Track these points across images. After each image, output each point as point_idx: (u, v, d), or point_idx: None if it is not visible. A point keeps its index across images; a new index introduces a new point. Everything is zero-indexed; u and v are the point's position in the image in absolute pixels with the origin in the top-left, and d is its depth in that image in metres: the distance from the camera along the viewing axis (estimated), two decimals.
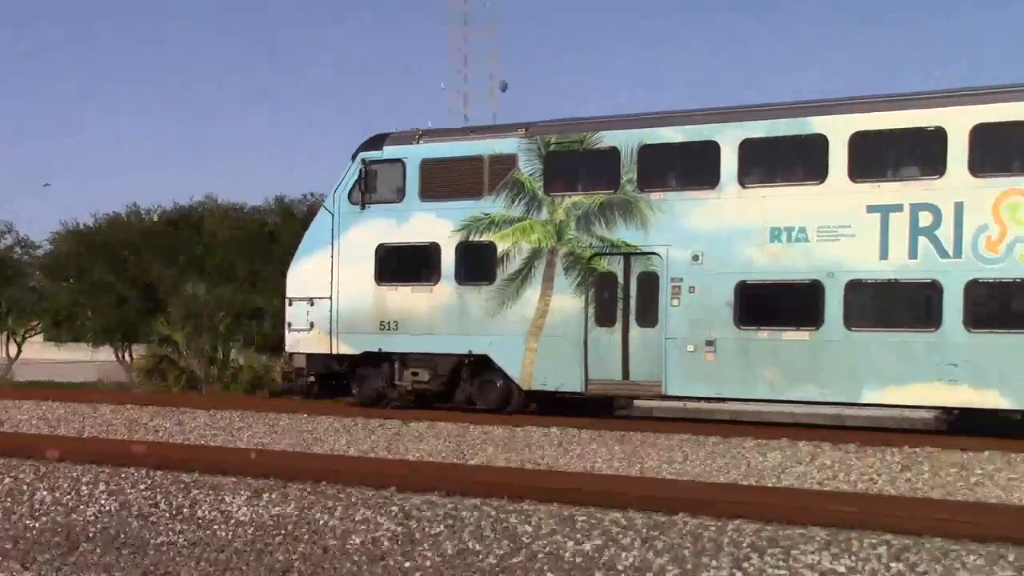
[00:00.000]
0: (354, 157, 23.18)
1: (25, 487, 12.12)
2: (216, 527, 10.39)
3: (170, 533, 10.26)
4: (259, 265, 31.85)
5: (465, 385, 22.22)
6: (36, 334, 45.35)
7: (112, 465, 13.17)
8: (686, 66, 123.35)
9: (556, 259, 21.00)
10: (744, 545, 9.08)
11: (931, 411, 18.04)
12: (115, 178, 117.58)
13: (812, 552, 8.83)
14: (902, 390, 18.19)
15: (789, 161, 19.82)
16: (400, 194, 22.55)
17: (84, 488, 11.92)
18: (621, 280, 20.57)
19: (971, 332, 17.73)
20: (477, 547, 9.38)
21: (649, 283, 20.27)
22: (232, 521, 10.50)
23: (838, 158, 18.82)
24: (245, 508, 10.83)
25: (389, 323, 22.42)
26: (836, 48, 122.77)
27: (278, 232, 32.91)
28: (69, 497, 11.63)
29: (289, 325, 23.66)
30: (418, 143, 22.61)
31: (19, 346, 44.27)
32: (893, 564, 8.48)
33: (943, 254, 17.99)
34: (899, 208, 18.34)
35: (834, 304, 18.66)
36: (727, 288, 19.44)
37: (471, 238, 21.85)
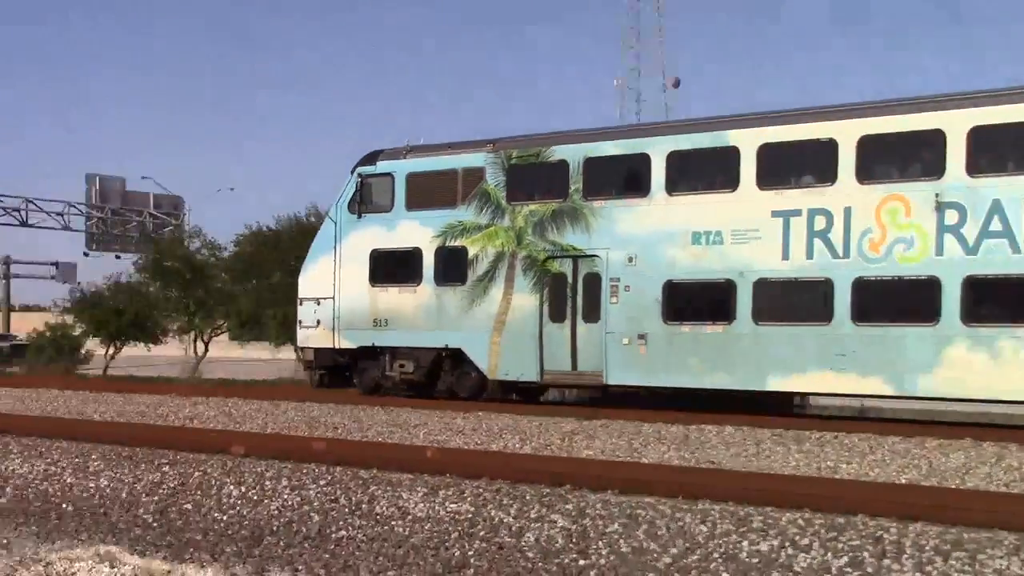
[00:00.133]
0: (353, 171, 25.91)
1: (213, 481, 12.50)
2: (394, 523, 10.55)
3: (350, 528, 10.45)
4: None
5: (446, 376, 24.76)
6: (222, 333, 47.02)
7: (294, 461, 13.50)
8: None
9: (516, 262, 23.39)
10: (927, 548, 8.79)
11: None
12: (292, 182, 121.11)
13: (1000, 557, 8.50)
14: (800, 378, 20.38)
15: (708, 171, 21.79)
16: (390, 204, 25.22)
17: (268, 483, 12.24)
18: (570, 280, 22.87)
19: (857, 325, 19.72)
20: (652, 546, 9.31)
21: (593, 283, 22.51)
22: (409, 517, 10.65)
23: (748, 168, 20.80)
24: (422, 504, 10.97)
25: (381, 320, 25.14)
26: None
27: None
28: (254, 491, 11.96)
29: (300, 322, 26.69)
30: (405, 158, 25.32)
31: (206, 345, 45.94)
32: None
33: (834, 254, 19.98)
34: (798, 213, 20.32)
35: (744, 301, 20.73)
36: (656, 287, 21.65)
37: (447, 243, 24.39)
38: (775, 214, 20.54)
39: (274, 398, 24.73)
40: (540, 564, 9.10)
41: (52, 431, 16.69)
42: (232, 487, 12.18)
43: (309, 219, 38.69)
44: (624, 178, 22.72)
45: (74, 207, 52.13)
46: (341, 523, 10.64)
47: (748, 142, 20.92)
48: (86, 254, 55.97)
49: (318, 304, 26.10)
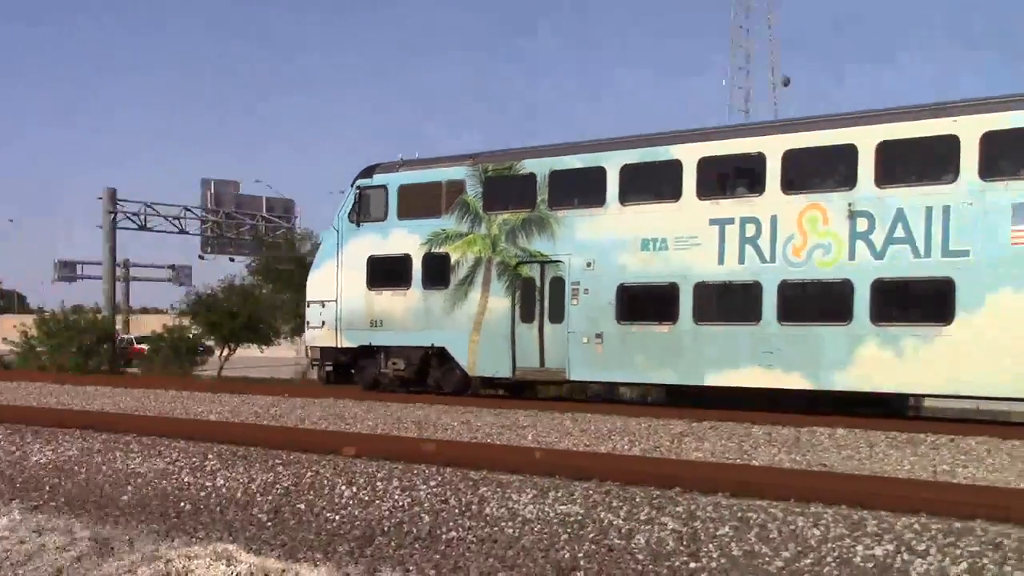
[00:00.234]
0: (353, 184, 28.08)
1: (325, 482, 12.68)
2: (504, 524, 10.59)
3: (460, 529, 10.52)
4: None
5: (433, 372, 26.78)
6: None
7: (404, 462, 13.62)
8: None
9: (492, 267, 25.36)
10: None
11: None
12: None
13: None
14: (734, 374, 21.94)
15: (655, 183, 23.47)
16: (384, 214, 27.32)
17: (379, 484, 12.37)
18: (538, 284, 24.79)
19: (782, 324, 21.39)
20: (764, 549, 9.22)
21: (557, 286, 24.44)
22: (519, 518, 10.68)
23: (689, 180, 22.53)
24: (531, 506, 10.99)
25: (376, 321, 27.27)
26: None
27: None
28: (365, 492, 12.10)
29: (308, 323, 29.08)
30: (398, 171, 27.41)
31: None
32: None
33: (762, 259, 21.63)
34: (732, 221, 21.99)
35: (686, 303, 22.47)
36: (611, 290, 23.49)
37: (432, 250, 26.43)
38: (712, 222, 22.25)
39: (384, 400, 25.01)
40: (650, 566, 9.07)
41: (170, 431, 17.08)
42: (344, 487, 12.33)
43: None
44: (584, 189, 24.40)
45: (190, 211, 53.20)
46: (451, 524, 10.71)
47: (689, 156, 22.69)
48: (201, 257, 57.14)
49: (323, 306, 28.32)
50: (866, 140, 20.67)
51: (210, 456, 14.50)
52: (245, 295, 46.68)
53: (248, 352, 49.24)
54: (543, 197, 24.69)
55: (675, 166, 22.82)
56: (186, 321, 48.33)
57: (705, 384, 22.49)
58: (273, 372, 43.55)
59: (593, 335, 23.64)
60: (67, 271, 73.45)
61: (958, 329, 19.59)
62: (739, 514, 10.23)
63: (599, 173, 23.85)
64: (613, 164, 23.67)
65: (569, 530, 10.20)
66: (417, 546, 10.10)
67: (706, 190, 22.45)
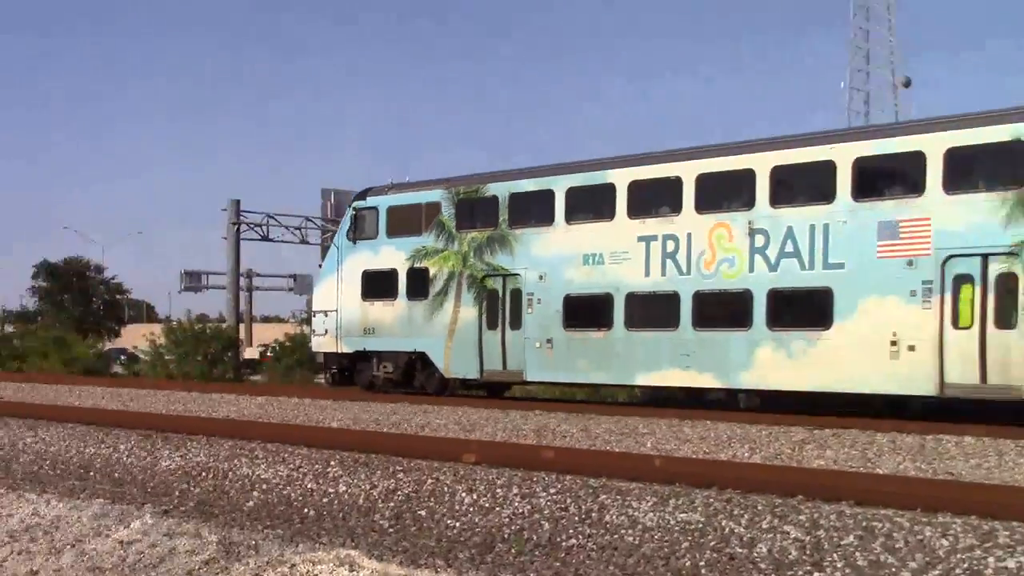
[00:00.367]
0: (350, 205, 31.45)
1: (446, 488, 12.78)
2: (624, 531, 10.56)
3: (579, 536, 10.52)
4: None
5: (418, 375, 29.47)
6: None
7: (524, 469, 13.64)
8: None
9: (463, 280, 28.00)
10: None
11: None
12: None
13: None
14: (658, 374, 24.53)
15: (594, 203, 25.71)
16: (376, 232, 30.12)
17: (499, 491, 12.42)
18: (500, 295, 27.36)
19: (696, 330, 23.82)
20: (890, 560, 9.04)
21: (516, 297, 27.06)
22: (639, 526, 10.64)
23: (621, 201, 25.05)
24: (652, 514, 10.94)
25: (369, 329, 30.12)
26: None
27: None
28: (485, 499, 12.16)
29: (313, 331, 32.35)
30: (387, 194, 30.46)
31: None
32: None
33: (680, 272, 24.08)
34: (656, 238, 24.47)
35: (619, 311, 24.93)
36: (558, 300, 26.10)
37: (414, 265, 29.14)
38: (640, 239, 24.74)
39: (504, 407, 25.15)
40: (773, 575, 8.98)
41: (293, 438, 17.38)
42: (464, 494, 12.42)
43: None
44: (537, 210, 26.94)
45: (311, 221, 53.98)
46: (571, 531, 10.72)
47: (621, 180, 25.24)
48: (320, 266, 58.08)
49: (326, 316, 31.42)
50: (762, 165, 23.06)
51: (332, 463, 14.71)
52: None
53: None
54: (504, 217, 27.42)
55: (610, 189, 25.37)
56: (306, 330, 49.10)
57: (635, 384, 25.97)
58: None
59: (545, 340, 26.32)
60: (193, 281, 74.99)
61: (836, 333, 21.96)
62: (864, 523, 10.04)
63: (549, 195, 26.58)
64: (560, 187, 26.45)
65: (690, 538, 10.13)
66: (537, 553, 10.13)
67: (635, 210, 25.01)
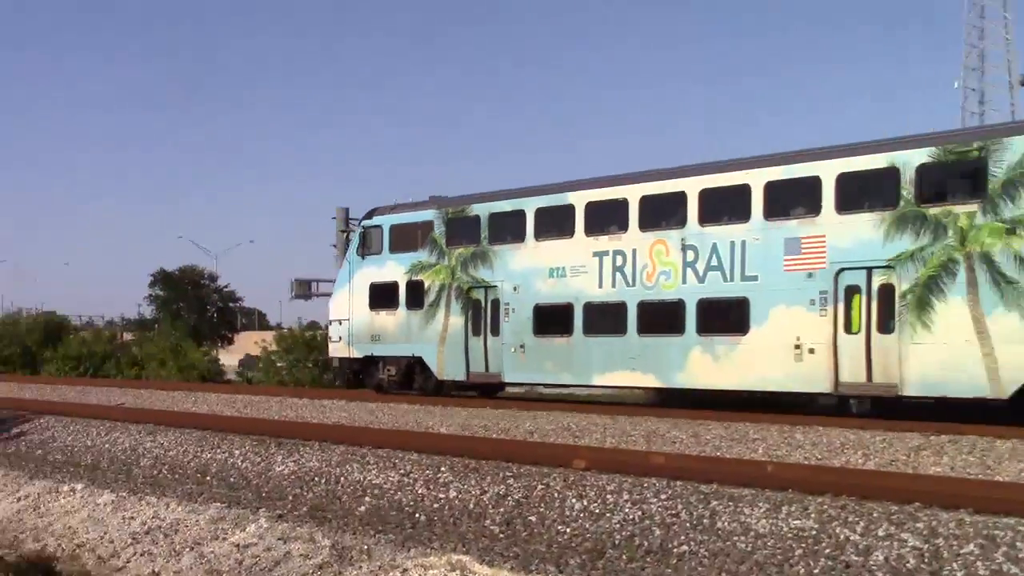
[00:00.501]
0: (359, 224, 34.41)
1: (556, 494, 12.79)
2: (736, 538, 10.47)
3: (691, 543, 10.46)
4: None
5: (417, 377, 31.97)
6: None
7: (634, 475, 13.58)
8: None
9: (452, 291, 30.61)
10: None
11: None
12: None
13: None
14: (610, 375, 26.88)
15: (558, 223, 28.20)
16: (381, 248, 32.87)
17: (609, 497, 12.39)
18: (483, 305, 29.88)
19: (640, 336, 26.14)
20: (1013, 570, 8.82)
21: (495, 307, 29.58)
22: (752, 533, 10.53)
23: (580, 220, 27.61)
24: (764, 520, 10.82)
25: (376, 336, 32.82)
26: None
27: None
28: (596, 505, 12.14)
29: (329, 338, 35.01)
30: (391, 213, 33.08)
31: None
32: None
33: (627, 284, 26.50)
34: (607, 253, 27.00)
35: (578, 319, 27.39)
36: (529, 309, 28.60)
37: (412, 278, 31.77)
38: (595, 254, 27.26)
39: (612, 413, 25.11)
40: None
41: (404, 444, 17.51)
42: (574, 500, 12.42)
43: None
44: (512, 228, 29.40)
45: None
46: (683, 537, 10.65)
47: (579, 201, 27.77)
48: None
49: (340, 324, 34.13)
50: (693, 188, 25.53)
51: (443, 468, 14.81)
52: None
53: None
54: (485, 234, 30.01)
55: (571, 209, 27.92)
56: None
57: (592, 384, 28.14)
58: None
59: (519, 345, 28.89)
60: (303, 289, 75.97)
61: (752, 338, 24.21)
62: (984, 532, 9.81)
63: (521, 215, 29.16)
64: (530, 207, 28.99)
65: (804, 545, 10.00)
66: (648, 560, 10.09)
67: (591, 228, 27.49)
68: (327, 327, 36.16)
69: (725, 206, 25.24)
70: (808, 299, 23.42)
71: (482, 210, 30.25)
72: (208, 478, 16.77)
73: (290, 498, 14.45)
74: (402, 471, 14.94)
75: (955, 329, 21.48)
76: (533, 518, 12.06)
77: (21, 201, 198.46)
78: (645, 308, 26.20)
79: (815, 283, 23.34)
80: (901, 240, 22.28)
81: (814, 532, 10.32)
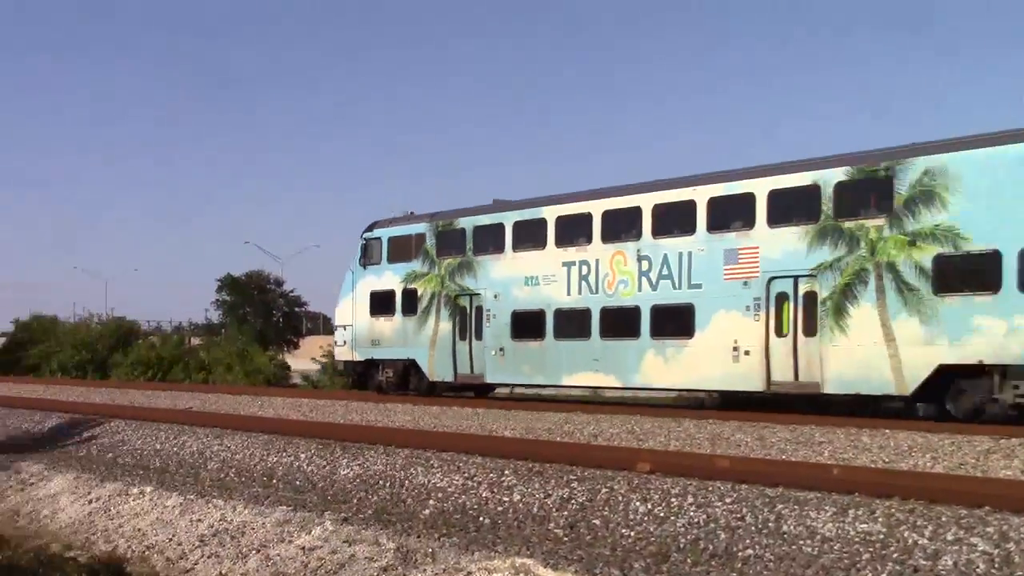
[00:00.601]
0: (361, 236, 36.36)
1: (620, 497, 12.76)
2: (802, 542, 10.38)
3: (756, 547, 10.39)
4: None
5: (412, 379, 34.36)
6: None
7: (698, 478, 13.51)
8: None
9: (441, 299, 33.06)
10: None
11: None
12: None
13: None
14: (577, 376, 29.00)
15: (532, 235, 30.52)
16: (380, 259, 35.41)
17: (673, 500, 12.34)
18: (468, 311, 32.32)
19: (603, 339, 28.31)
20: None
21: (479, 313, 31.93)
22: (818, 537, 10.44)
23: (551, 233, 29.93)
24: (830, 524, 10.72)
25: (375, 340, 35.36)
26: None
27: None
28: (660, 508, 12.10)
29: (335, 343, 37.93)
30: (389, 226, 35.59)
31: None
32: None
33: (591, 291, 28.73)
34: (574, 263, 29.24)
35: (550, 324, 29.66)
36: (508, 315, 30.86)
37: (407, 286, 34.27)
38: (564, 264, 29.56)
39: (675, 416, 25.04)
40: None
41: (468, 447, 17.56)
42: (639, 503, 12.38)
43: None
44: (493, 240, 31.76)
45: None
46: (748, 541, 10.59)
47: (551, 215, 30.01)
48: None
49: (344, 329, 36.74)
50: (647, 203, 27.73)
51: (506, 472, 14.83)
52: None
53: None
54: (470, 246, 32.36)
55: (543, 223, 30.19)
56: None
57: (561, 384, 30.08)
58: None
59: (499, 349, 31.15)
60: None
61: (697, 341, 26.26)
62: None
63: (501, 228, 31.53)
64: (509, 220, 31.36)
65: (871, 549, 9.90)
66: (713, 563, 10.04)
67: (560, 240, 29.79)
68: (334, 332, 38.80)
69: (674, 220, 27.33)
70: (744, 305, 25.51)
71: (467, 223, 32.73)
72: (274, 481, 16.93)
73: (355, 501, 14.55)
74: (466, 474, 14.98)
75: (867, 332, 23.48)
76: (597, 521, 12.05)
77: (92, 207, 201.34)
78: (607, 314, 28.32)
79: (750, 290, 25.44)
80: (822, 251, 24.30)
81: (881, 536, 10.20)
